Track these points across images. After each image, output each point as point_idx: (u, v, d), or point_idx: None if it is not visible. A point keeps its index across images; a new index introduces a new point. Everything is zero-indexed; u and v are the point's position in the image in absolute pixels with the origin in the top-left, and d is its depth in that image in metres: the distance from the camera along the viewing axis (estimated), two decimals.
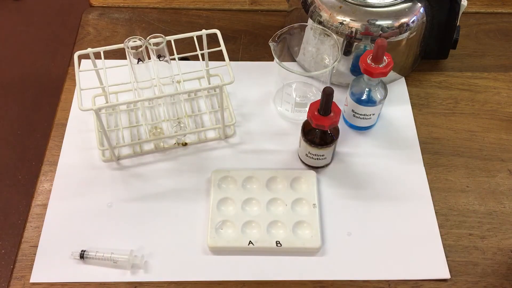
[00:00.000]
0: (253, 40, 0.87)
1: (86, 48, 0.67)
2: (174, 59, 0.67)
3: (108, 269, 0.61)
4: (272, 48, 0.68)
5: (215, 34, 0.69)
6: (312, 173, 0.68)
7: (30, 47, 2.01)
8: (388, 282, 0.61)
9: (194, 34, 0.69)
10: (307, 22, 0.75)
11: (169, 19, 0.89)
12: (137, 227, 0.64)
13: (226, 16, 0.90)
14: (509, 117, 0.77)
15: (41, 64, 1.95)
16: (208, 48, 0.71)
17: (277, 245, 0.62)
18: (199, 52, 0.69)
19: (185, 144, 0.72)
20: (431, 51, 0.81)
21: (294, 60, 0.81)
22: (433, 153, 0.73)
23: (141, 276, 0.61)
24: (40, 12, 2.13)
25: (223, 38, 0.68)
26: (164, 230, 0.64)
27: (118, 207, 0.66)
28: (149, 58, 0.61)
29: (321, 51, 0.75)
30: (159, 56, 0.61)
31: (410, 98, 0.79)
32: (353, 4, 0.72)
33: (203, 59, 0.72)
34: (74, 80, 0.69)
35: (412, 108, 0.77)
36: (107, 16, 0.90)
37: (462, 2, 0.74)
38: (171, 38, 0.67)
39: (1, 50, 1.99)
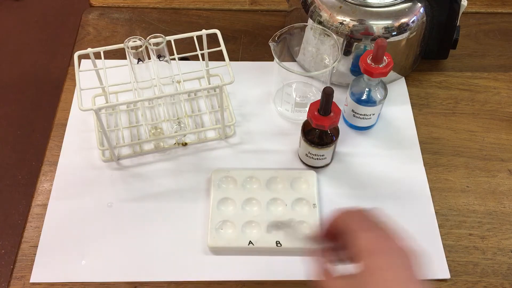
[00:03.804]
0: (253, 40, 0.86)
1: (86, 48, 0.67)
2: (174, 59, 0.67)
3: (108, 269, 0.61)
4: (272, 48, 0.68)
5: (215, 34, 0.69)
6: (312, 173, 0.68)
7: (30, 47, 2.01)
8: None
9: (194, 34, 0.69)
10: (307, 22, 0.75)
11: (169, 19, 0.89)
12: (137, 227, 0.64)
13: (226, 16, 0.90)
14: (509, 117, 0.77)
15: (41, 64, 1.95)
16: (208, 48, 0.71)
17: (277, 245, 0.62)
18: (199, 52, 0.69)
19: (185, 144, 0.72)
20: (431, 51, 0.81)
21: (294, 60, 0.81)
22: (433, 153, 0.73)
23: (141, 276, 0.61)
24: (40, 12, 2.13)
25: (223, 38, 0.68)
26: (164, 230, 0.64)
27: (118, 207, 0.66)
28: (149, 58, 0.61)
29: (321, 51, 0.75)
30: (159, 56, 0.61)
31: (410, 98, 0.79)
32: (353, 4, 0.72)
33: (203, 59, 0.72)
34: (74, 80, 0.69)
35: (412, 108, 0.77)
36: (107, 16, 0.90)
37: (462, 2, 0.74)
38: (171, 38, 0.67)
39: (1, 50, 1.99)
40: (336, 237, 0.44)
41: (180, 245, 0.63)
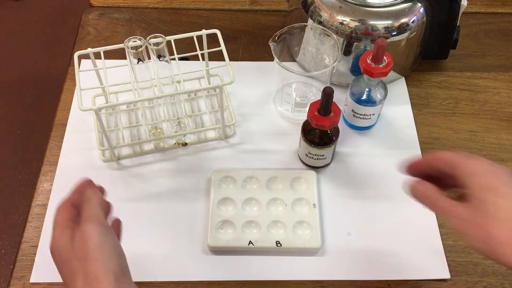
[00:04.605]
0: (253, 40, 0.86)
1: (86, 48, 0.67)
2: (174, 59, 0.67)
3: None
4: (272, 48, 0.68)
5: (215, 34, 0.69)
6: (312, 173, 0.68)
7: (30, 47, 2.01)
8: (388, 282, 0.61)
9: (194, 34, 0.69)
10: (307, 22, 0.75)
11: (169, 19, 0.89)
12: (137, 227, 0.64)
13: (226, 16, 0.90)
14: (509, 117, 0.77)
15: (41, 64, 1.95)
16: (208, 48, 0.71)
17: (277, 245, 0.62)
18: (199, 52, 0.69)
19: (185, 144, 0.72)
20: (431, 51, 0.81)
21: (294, 60, 0.81)
22: None
23: (141, 276, 0.61)
24: (40, 12, 2.13)
25: (223, 38, 0.68)
26: (164, 230, 0.64)
27: (118, 207, 0.66)
28: (149, 58, 0.61)
29: (321, 51, 0.75)
30: (159, 56, 0.61)
31: (410, 98, 0.79)
32: (353, 4, 0.72)
33: (203, 59, 0.72)
34: (74, 80, 0.69)
35: (412, 108, 0.77)
36: (107, 16, 0.90)
37: (462, 2, 0.74)
38: (171, 38, 0.67)
39: (1, 50, 1.99)
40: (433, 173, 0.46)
41: (180, 245, 0.63)
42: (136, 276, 0.61)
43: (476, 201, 0.40)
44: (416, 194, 0.46)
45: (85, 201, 0.47)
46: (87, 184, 0.49)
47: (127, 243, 0.63)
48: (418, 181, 0.47)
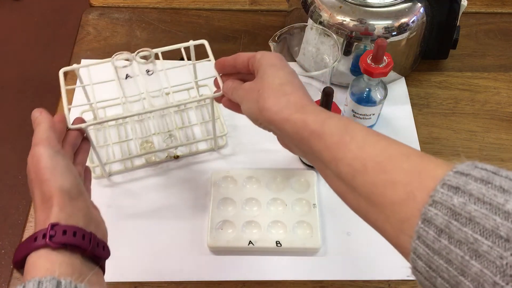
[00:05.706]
0: (253, 40, 0.86)
1: (86, 48, 0.67)
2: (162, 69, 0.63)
3: (108, 269, 0.61)
4: (272, 48, 0.68)
5: (213, 32, 0.67)
6: (312, 173, 0.68)
7: (30, 47, 2.01)
8: (388, 282, 0.61)
9: (181, 45, 0.66)
10: (307, 22, 0.75)
11: (169, 19, 0.89)
12: (138, 226, 0.64)
13: (226, 16, 0.90)
14: (509, 117, 0.77)
15: (41, 64, 1.95)
16: (197, 57, 0.68)
17: (277, 245, 0.62)
18: (187, 64, 0.66)
19: (177, 157, 0.71)
20: (431, 51, 0.81)
21: (294, 60, 0.81)
22: (433, 153, 0.73)
23: (141, 276, 0.61)
24: (40, 12, 2.13)
25: (223, 38, 0.67)
26: (164, 230, 0.64)
27: (117, 206, 0.66)
28: (137, 73, 0.59)
29: (321, 51, 0.75)
30: (147, 71, 0.59)
31: (410, 98, 0.79)
32: (353, 4, 0.72)
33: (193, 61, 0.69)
34: (74, 80, 0.68)
35: (412, 108, 0.77)
36: (107, 16, 0.90)
37: (462, 2, 0.74)
38: (159, 50, 0.64)
39: (1, 50, 1.99)
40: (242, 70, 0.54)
41: (180, 245, 0.63)
42: (136, 276, 0.61)
43: (261, 73, 0.49)
44: (226, 89, 0.55)
45: (36, 125, 0.49)
46: (38, 111, 0.50)
47: (127, 243, 0.63)
48: (228, 80, 0.56)
